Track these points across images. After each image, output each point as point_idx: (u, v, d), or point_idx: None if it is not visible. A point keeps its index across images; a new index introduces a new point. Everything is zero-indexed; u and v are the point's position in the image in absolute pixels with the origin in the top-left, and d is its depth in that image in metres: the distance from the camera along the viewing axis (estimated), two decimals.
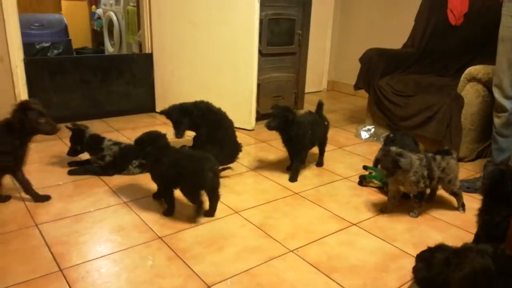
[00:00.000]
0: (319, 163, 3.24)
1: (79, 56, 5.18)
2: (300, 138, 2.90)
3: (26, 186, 2.46)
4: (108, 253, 2.04)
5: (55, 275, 1.87)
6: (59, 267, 1.92)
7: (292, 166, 3.00)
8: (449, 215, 2.54)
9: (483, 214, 1.97)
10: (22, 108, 2.33)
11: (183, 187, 2.36)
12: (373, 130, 3.89)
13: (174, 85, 4.22)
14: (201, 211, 2.35)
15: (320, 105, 3.16)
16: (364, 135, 3.89)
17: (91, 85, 4.08)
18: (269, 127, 2.90)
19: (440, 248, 1.70)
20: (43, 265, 1.93)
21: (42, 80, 3.81)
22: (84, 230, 2.23)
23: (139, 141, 2.41)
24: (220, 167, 2.67)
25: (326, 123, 3.20)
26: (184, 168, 2.31)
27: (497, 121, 2.78)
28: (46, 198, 2.51)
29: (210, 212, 2.43)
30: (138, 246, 2.11)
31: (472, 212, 2.12)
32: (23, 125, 2.29)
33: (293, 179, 2.94)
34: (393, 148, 2.33)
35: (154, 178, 2.46)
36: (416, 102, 3.50)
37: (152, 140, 2.39)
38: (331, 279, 1.92)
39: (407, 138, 2.71)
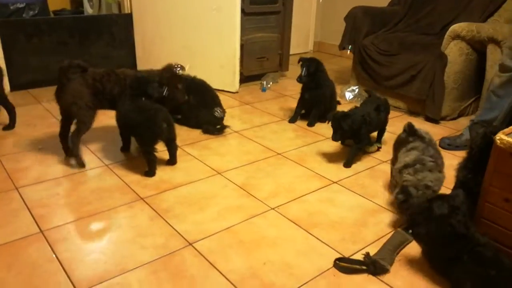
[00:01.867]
0: (311, 123, 3.29)
1: (55, 17, 4.99)
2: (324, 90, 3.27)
3: None
4: (90, 214, 2.05)
5: (36, 236, 1.87)
6: (39, 228, 1.92)
7: (312, 114, 3.28)
8: None
9: (466, 172, 1.99)
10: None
11: (137, 137, 2.48)
12: (357, 90, 3.87)
13: (156, 46, 4.11)
14: (152, 168, 2.42)
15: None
16: (348, 95, 3.87)
17: (69, 47, 3.96)
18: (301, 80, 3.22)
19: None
20: (24, 227, 1.93)
21: (17, 42, 3.68)
22: (65, 192, 2.22)
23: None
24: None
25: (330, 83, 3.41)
26: (137, 119, 2.37)
27: (496, 80, 2.73)
28: None
29: (171, 160, 2.55)
30: (121, 207, 2.12)
31: (452, 169, 2.15)
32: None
33: (311, 124, 3.27)
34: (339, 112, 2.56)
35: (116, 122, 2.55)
36: (400, 61, 3.47)
37: (133, 85, 2.46)
38: (310, 234, 1.96)
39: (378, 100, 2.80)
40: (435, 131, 3.12)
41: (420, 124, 3.36)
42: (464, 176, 1.94)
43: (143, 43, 4.21)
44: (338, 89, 4.08)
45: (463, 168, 1.96)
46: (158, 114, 2.37)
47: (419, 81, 3.35)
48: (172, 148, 2.54)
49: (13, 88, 3.67)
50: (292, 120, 3.31)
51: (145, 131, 2.37)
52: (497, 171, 1.61)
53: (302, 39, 5.78)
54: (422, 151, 1.99)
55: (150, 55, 4.13)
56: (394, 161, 2.26)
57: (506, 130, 1.62)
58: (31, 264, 1.70)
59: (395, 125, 3.34)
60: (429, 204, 1.63)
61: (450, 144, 2.83)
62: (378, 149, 2.85)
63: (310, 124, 3.26)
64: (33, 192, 2.21)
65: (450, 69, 3.22)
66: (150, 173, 2.41)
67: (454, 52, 3.18)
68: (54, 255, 1.75)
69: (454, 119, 3.45)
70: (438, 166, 1.97)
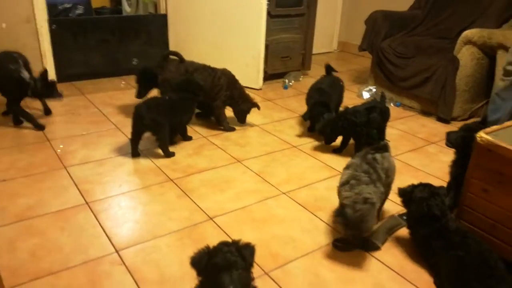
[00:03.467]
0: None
1: (99, 17, 5.42)
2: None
3: None
4: (127, 191, 2.40)
5: (82, 206, 2.23)
6: (85, 200, 2.28)
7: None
8: (430, 167, 2.80)
9: (456, 168, 2.23)
10: None
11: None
12: (374, 90, 4.08)
13: (188, 45, 4.45)
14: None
15: (328, 68, 3.42)
16: (366, 95, 4.09)
17: (110, 44, 4.35)
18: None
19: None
20: (72, 199, 2.29)
21: (64, 39, 4.09)
22: (106, 172, 2.58)
23: None
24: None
25: (341, 83, 3.46)
26: None
27: (501, 84, 2.92)
28: None
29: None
30: (153, 186, 2.46)
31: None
32: None
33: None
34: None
35: None
36: (415, 64, 3.67)
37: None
38: (315, 216, 2.23)
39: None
40: (446, 131, 3.30)
41: (432, 124, 3.57)
42: (455, 172, 2.18)
43: (176, 41, 4.55)
44: (355, 88, 4.32)
45: (454, 165, 2.20)
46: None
47: (432, 83, 3.54)
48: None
49: (60, 80, 4.07)
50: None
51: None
52: (478, 165, 1.83)
53: (326, 39, 6.00)
54: (355, 168, 1.97)
55: (183, 53, 4.47)
56: None
57: (487, 129, 1.84)
58: (79, 228, 2.06)
59: (407, 124, 3.56)
60: (412, 188, 1.89)
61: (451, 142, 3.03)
62: None
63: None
64: (79, 171, 2.58)
65: (462, 72, 3.40)
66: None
67: (466, 56, 3.36)
68: (97, 222, 2.11)
69: (465, 120, 3.61)
70: (373, 181, 1.91)
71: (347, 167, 2.05)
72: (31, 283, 1.71)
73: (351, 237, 1.90)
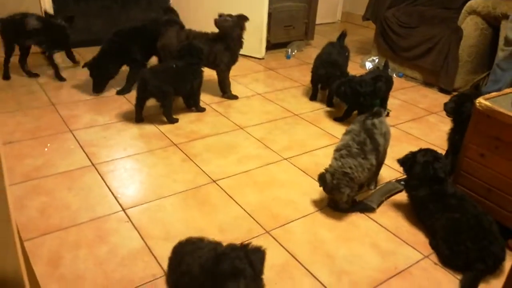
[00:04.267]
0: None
1: None
2: None
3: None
4: (132, 154, 2.45)
5: (89, 168, 2.29)
6: (91, 162, 2.34)
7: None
8: (430, 136, 2.84)
9: (453, 135, 2.28)
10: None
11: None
12: (377, 60, 4.08)
13: (190, 12, 4.40)
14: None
15: (342, 35, 3.39)
16: (368, 65, 4.09)
17: (112, 11, 4.31)
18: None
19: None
20: (79, 160, 2.35)
21: (67, 5, 4.05)
22: (111, 136, 2.63)
23: None
24: None
25: (347, 53, 3.40)
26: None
27: (501, 54, 2.92)
28: None
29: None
30: (157, 150, 2.51)
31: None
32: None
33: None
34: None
35: None
36: (418, 34, 3.66)
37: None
38: (315, 180, 2.27)
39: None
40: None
41: (434, 95, 3.59)
42: (452, 138, 2.23)
43: (178, 8, 4.50)
44: (358, 59, 4.31)
45: (451, 132, 2.25)
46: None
47: (434, 53, 3.54)
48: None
49: None
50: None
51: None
52: (476, 131, 1.87)
53: (330, 9, 5.92)
54: (353, 136, 2.02)
55: (185, 20, 4.43)
56: None
57: (487, 95, 1.87)
58: (87, 188, 2.12)
59: (409, 94, 3.58)
60: (413, 154, 1.94)
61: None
62: (388, 113, 3.11)
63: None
64: (84, 134, 2.62)
65: (465, 43, 3.39)
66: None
67: (470, 26, 3.35)
68: (104, 183, 2.17)
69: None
70: (364, 152, 1.97)
71: (346, 133, 2.10)
72: (41, 237, 1.78)
73: (329, 199, 2.05)
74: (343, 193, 1.91)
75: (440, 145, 2.68)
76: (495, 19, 3.26)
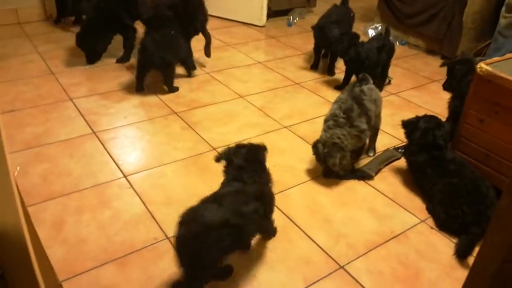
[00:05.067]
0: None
1: None
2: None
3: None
4: (133, 122, 2.46)
5: (90, 136, 2.30)
6: (92, 130, 2.35)
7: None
8: (431, 104, 2.83)
9: (453, 101, 2.28)
10: None
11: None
12: (380, 28, 4.01)
13: None
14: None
15: None
16: (371, 32, 4.02)
17: None
18: None
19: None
20: (79, 128, 2.36)
21: None
22: (111, 104, 2.63)
23: None
24: None
25: (352, 14, 3.38)
26: None
27: (503, 21, 2.86)
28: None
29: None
30: (157, 118, 2.51)
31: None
32: None
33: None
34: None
35: None
36: (422, 0, 3.58)
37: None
38: None
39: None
40: None
41: (436, 62, 3.54)
42: (453, 105, 2.22)
43: None
44: (361, 26, 4.24)
45: (451, 99, 2.25)
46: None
47: (438, 20, 3.48)
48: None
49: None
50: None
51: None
52: (476, 96, 1.87)
53: None
54: (340, 105, 2.03)
55: None
56: None
57: (488, 60, 1.85)
58: (88, 155, 2.14)
59: (411, 62, 3.54)
60: (418, 119, 1.94)
61: None
62: (389, 82, 3.08)
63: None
64: (84, 102, 2.62)
65: (469, 9, 3.32)
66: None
67: None
68: (105, 150, 2.18)
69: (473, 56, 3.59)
70: (351, 120, 1.97)
71: (334, 102, 2.10)
72: (44, 203, 1.82)
73: (323, 169, 2.07)
74: (335, 162, 1.94)
75: (441, 113, 2.67)
76: None
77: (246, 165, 1.51)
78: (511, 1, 2.68)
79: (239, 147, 1.58)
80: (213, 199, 1.40)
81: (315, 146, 2.01)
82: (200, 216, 1.32)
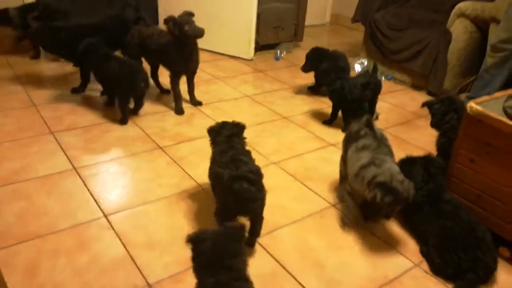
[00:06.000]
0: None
1: None
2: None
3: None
4: (116, 157, 2.37)
5: (70, 172, 2.21)
6: (73, 165, 2.26)
7: None
8: (420, 140, 2.82)
9: (443, 140, 2.26)
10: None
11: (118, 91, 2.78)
12: (366, 63, 4.05)
13: (177, 11, 4.33)
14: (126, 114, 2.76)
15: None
16: (358, 68, 4.06)
17: (97, 10, 4.20)
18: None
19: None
20: (59, 163, 2.26)
21: None
22: (94, 138, 2.54)
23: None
24: None
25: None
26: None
27: (489, 60, 2.90)
28: None
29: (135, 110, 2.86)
30: (142, 153, 2.44)
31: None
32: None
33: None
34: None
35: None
36: (407, 36, 3.64)
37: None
38: (304, 185, 2.24)
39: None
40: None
41: (422, 98, 3.56)
42: (440, 143, 2.22)
43: (165, 7, 4.43)
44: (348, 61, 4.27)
45: (439, 137, 2.24)
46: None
47: (423, 56, 3.53)
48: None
49: None
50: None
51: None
52: (466, 136, 1.84)
53: (319, 11, 5.89)
54: (375, 150, 1.79)
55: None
56: (344, 158, 2.06)
57: (478, 99, 1.84)
58: (67, 192, 2.04)
59: (398, 97, 3.56)
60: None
61: None
62: (377, 117, 3.08)
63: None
64: (66, 136, 2.54)
65: (454, 46, 3.38)
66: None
67: (459, 29, 3.34)
68: (85, 187, 2.09)
69: (455, 94, 3.63)
70: (392, 155, 1.88)
71: (362, 148, 1.84)
72: (17, 245, 1.70)
73: (388, 209, 1.87)
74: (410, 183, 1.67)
75: (430, 149, 2.65)
76: (484, 22, 3.25)
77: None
78: (496, 42, 2.73)
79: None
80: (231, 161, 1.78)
81: (390, 191, 1.61)
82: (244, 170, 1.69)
